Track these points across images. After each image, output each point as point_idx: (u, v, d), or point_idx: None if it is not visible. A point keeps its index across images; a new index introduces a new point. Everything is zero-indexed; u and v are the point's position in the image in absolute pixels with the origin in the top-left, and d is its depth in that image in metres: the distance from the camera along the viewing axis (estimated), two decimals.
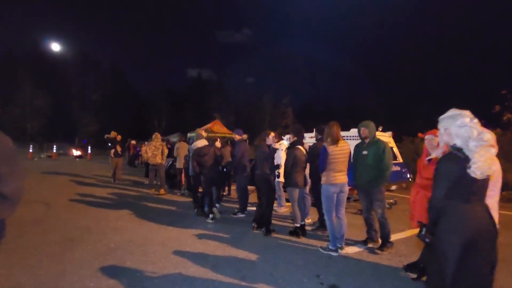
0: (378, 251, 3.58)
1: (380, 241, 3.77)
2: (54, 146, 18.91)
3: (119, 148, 9.05)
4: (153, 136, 7.41)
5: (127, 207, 5.62)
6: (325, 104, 44.27)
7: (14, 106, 28.60)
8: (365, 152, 3.82)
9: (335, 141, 3.56)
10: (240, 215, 5.22)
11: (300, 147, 4.26)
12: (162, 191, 7.12)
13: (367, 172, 3.76)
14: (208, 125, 14.88)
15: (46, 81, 30.78)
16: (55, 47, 29.83)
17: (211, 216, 4.88)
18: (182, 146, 7.25)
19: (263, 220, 4.25)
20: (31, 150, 17.84)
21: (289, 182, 4.18)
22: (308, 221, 5.00)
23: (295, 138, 4.39)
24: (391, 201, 6.28)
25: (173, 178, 7.77)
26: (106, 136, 9.31)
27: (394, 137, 7.38)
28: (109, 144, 9.18)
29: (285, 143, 8.64)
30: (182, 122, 35.46)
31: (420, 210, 2.69)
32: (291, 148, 4.28)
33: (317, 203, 4.65)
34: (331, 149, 3.52)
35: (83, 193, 6.91)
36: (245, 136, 14.12)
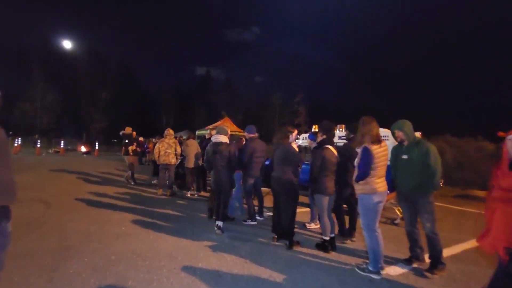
0: (428, 274, 2.97)
1: (427, 260, 3.18)
2: (62, 142, 18.76)
3: (133, 147, 8.14)
4: (165, 132, 6.82)
5: (133, 210, 5.15)
6: (334, 102, 43.45)
7: (25, 102, 28.76)
8: (405, 157, 3.23)
9: (377, 140, 2.98)
10: (251, 223, 4.67)
11: (330, 147, 3.69)
12: (169, 191, 6.63)
13: (410, 179, 3.18)
14: (218, 123, 14.41)
15: (57, 78, 30.90)
16: (67, 44, 29.96)
17: (219, 224, 4.11)
18: (191, 144, 6.74)
19: (285, 230, 3.69)
20: (38, 145, 17.72)
21: (317, 188, 3.62)
22: (316, 226, 4.52)
23: (324, 137, 3.83)
24: None
25: (182, 178, 7.27)
26: (121, 132, 8.45)
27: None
28: (126, 141, 8.22)
29: (299, 142, 8.05)
30: (190, 120, 35.22)
31: (504, 231, 2.08)
32: (319, 148, 3.72)
33: (336, 210, 4.07)
34: (376, 150, 2.93)
35: (87, 192, 6.48)
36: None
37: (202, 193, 6.93)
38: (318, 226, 4.57)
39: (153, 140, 12.24)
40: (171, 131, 6.87)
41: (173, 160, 6.61)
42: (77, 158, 16.72)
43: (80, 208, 5.09)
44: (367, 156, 2.92)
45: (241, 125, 18.02)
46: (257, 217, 4.79)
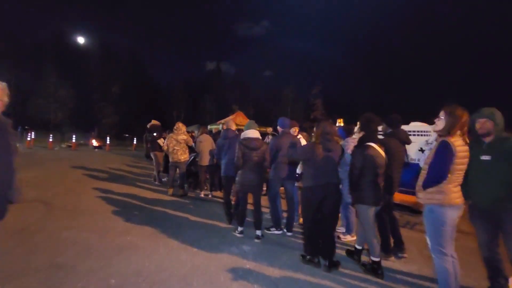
0: None
1: None
2: (74, 136, 18.63)
3: (162, 141, 7.23)
4: (174, 127, 6.15)
5: (140, 214, 4.57)
6: (344, 97, 42.03)
7: (39, 96, 28.99)
8: (486, 158, 2.46)
9: (463, 135, 2.27)
10: (275, 232, 3.99)
11: (373, 145, 2.95)
12: (181, 191, 6.04)
13: (493, 189, 2.42)
14: (230, 117, 13.74)
15: (69, 72, 30.98)
16: (79, 39, 29.94)
17: (239, 229, 3.81)
18: (205, 139, 6.10)
19: (330, 248, 3.02)
20: (51, 140, 17.64)
21: (359, 196, 2.91)
22: (352, 238, 3.83)
23: (363, 133, 3.10)
24: None
25: (194, 177, 6.66)
26: (149, 125, 7.68)
27: None
28: (155, 134, 7.20)
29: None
30: (201, 114, 34.84)
31: None
32: (359, 147, 2.99)
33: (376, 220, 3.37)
34: (459, 147, 2.19)
35: (92, 191, 5.97)
36: (269, 130, 12.62)
37: (216, 193, 6.32)
38: (355, 238, 3.87)
39: (164, 134, 11.69)
40: (181, 125, 6.15)
41: (182, 158, 5.98)
42: (88, 152, 16.50)
43: (83, 211, 4.55)
44: (446, 154, 2.18)
45: (253, 119, 17.35)
46: (285, 231, 4.02)
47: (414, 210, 5.30)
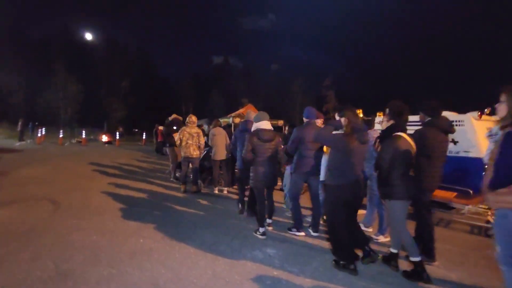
0: None
1: None
2: (83, 132, 18.66)
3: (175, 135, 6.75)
4: (187, 120, 5.81)
5: (152, 212, 4.29)
6: (353, 90, 40.98)
7: (48, 92, 29.17)
8: None
9: None
10: (297, 233, 3.60)
11: (403, 135, 2.60)
12: (194, 188, 5.75)
13: None
14: (241, 110, 13.33)
15: (78, 68, 31.03)
16: (88, 35, 29.98)
17: (261, 230, 3.47)
18: (219, 132, 5.76)
19: (363, 244, 2.70)
20: (61, 135, 17.68)
21: (389, 191, 2.59)
22: (386, 239, 3.47)
23: (392, 121, 2.74)
24: None
25: (208, 172, 6.35)
26: (170, 118, 7.36)
27: None
28: (174, 128, 6.82)
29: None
30: (209, 108, 34.61)
31: None
32: (386, 138, 2.62)
33: (417, 217, 3.04)
34: None
35: (102, 187, 5.73)
36: (280, 122, 12.10)
37: (231, 189, 6.01)
38: (388, 239, 3.49)
39: (174, 128, 11.40)
40: (194, 118, 5.82)
41: (195, 153, 5.66)
42: (98, 148, 16.47)
43: (92, 209, 4.30)
44: None
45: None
46: (310, 231, 3.67)
47: (447, 206, 4.87)
